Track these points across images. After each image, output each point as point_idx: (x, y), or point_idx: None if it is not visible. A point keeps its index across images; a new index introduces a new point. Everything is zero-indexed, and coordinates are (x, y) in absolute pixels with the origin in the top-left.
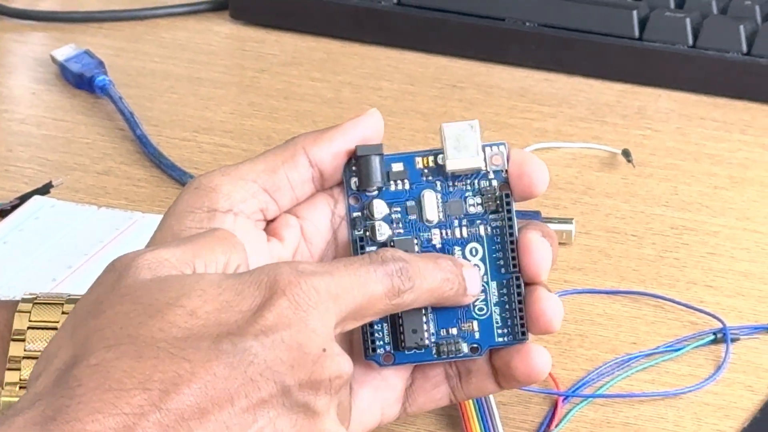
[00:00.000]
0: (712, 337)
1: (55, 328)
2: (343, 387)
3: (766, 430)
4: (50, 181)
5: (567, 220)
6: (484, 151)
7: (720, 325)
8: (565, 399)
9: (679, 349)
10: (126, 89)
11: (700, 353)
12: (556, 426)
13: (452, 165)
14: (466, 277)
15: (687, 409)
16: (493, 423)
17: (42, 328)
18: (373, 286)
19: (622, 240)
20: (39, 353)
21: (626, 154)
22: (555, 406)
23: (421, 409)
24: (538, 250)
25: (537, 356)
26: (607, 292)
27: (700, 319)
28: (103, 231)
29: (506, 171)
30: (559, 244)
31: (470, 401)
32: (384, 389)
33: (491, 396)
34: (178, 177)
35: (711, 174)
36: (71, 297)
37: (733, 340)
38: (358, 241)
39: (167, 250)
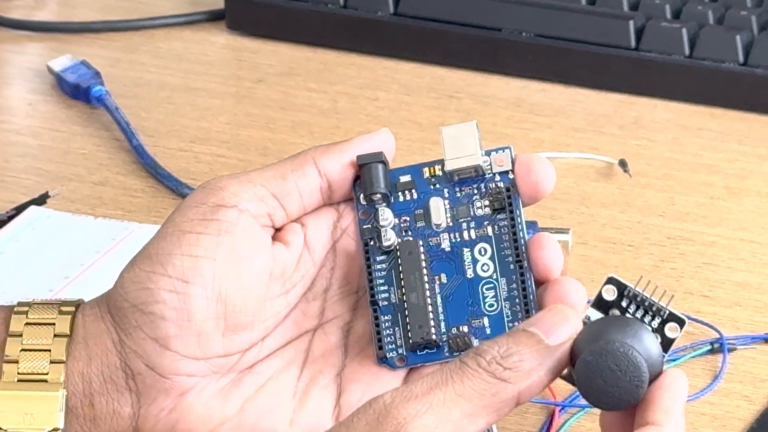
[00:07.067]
0: (709, 347)
1: (52, 324)
2: None
3: None
4: (47, 192)
5: (564, 230)
6: (489, 154)
7: (717, 335)
8: (562, 409)
9: (676, 359)
10: (122, 100)
11: (697, 363)
12: (557, 430)
13: (451, 165)
14: None
15: (684, 419)
16: None
17: (38, 324)
18: None
19: (619, 250)
20: (36, 347)
21: (623, 164)
22: (552, 416)
23: None
24: (548, 245)
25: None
26: None
27: (697, 329)
28: (100, 241)
29: (512, 172)
30: None
31: None
32: (375, 384)
33: None
34: (175, 187)
35: (708, 184)
36: (66, 300)
37: (730, 350)
38: (364, 248)
39: None
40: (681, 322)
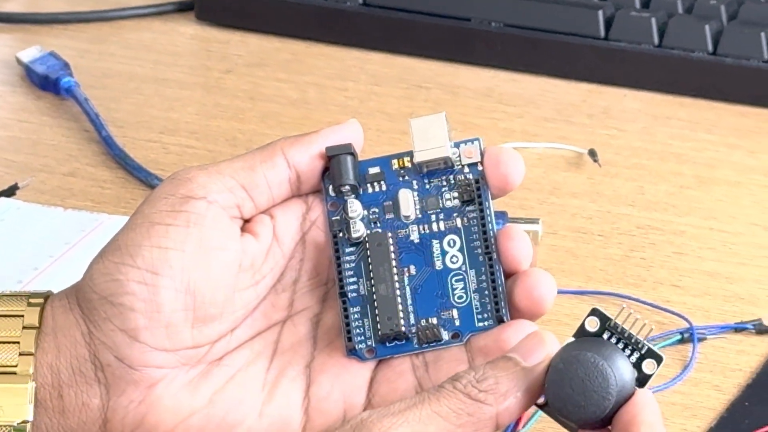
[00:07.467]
0: (678, 336)
1: (21, 316)
2: None
3: (733, 429)
4: (16, 183)
5: (533, 221)
6: (458, 146)
7: (687, 325)
8: None
9: None
10: (91, 91)
11: (666, 353)
12: (522, 427)
13: (420, 157)
14: None
15: None
16: None
17: (7, 316)
18: None
19: (589, 240)
20: (5, 339)
21: (592, 153)
22: None
23: (386, 401)
24: (517, 237)
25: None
26: (573, 293)
27: (667, 319)
28: (69, 232)
29: (481, 164)
30: None
31: None
32: (344, 375)
33: None
34: (144, 178)
35: (677, 173)
36: (35, 292)
37: (699, 340)
38: (333, 240)
39: None
40: (659, 359)
